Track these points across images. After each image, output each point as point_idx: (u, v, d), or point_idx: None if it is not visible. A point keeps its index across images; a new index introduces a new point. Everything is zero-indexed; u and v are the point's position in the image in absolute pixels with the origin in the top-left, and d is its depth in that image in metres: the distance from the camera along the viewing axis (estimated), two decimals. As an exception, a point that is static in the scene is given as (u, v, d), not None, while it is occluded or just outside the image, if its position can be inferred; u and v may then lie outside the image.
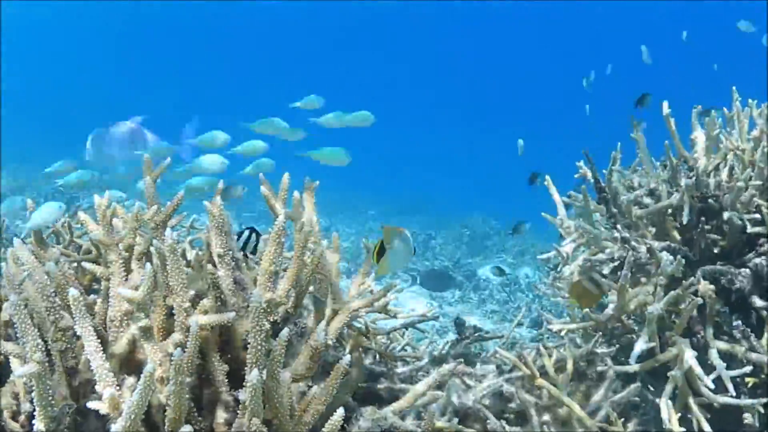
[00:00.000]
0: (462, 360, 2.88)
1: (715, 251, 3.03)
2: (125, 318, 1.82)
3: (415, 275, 8.28)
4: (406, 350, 3.33)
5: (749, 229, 2.85)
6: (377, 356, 2.86)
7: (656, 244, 2.99)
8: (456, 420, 2.55)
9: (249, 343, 1.63)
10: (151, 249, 1.88)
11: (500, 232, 11.46)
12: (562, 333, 3.01)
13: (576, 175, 3.39)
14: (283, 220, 1.91)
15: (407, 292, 8.03)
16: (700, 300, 2.65)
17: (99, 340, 1.62)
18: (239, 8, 37.29)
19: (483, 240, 11.26)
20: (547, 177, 3.36)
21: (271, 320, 1.87)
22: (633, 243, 2.97)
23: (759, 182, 2.90)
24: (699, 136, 3.19)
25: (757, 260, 2.89)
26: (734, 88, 3.35)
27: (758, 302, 2.85)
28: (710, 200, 2.98)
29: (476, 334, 3.17)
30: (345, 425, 2.18)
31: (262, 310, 1.59)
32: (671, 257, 2.83)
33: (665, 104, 3.19)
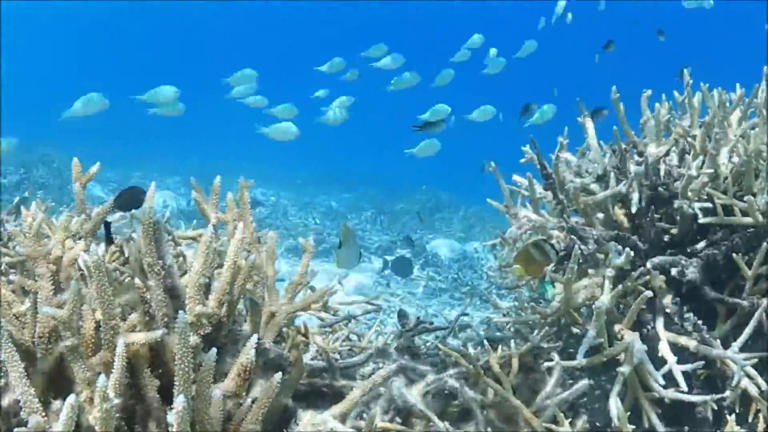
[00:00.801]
0: (402, 361, 2.92)
1: (666, 239, 3.11)
2: (53, 335, 1.85)
3: (387, 261, 8.27)
4: (351, 339, 3.38)
5: (701, 219, 2.92)
6: (319, 350, 2.89)
7: (605, 234, 3.05)
8: (399, 419, 2.60)
9: (176, 364, 1.66)
10: (79, 261, 1.91)
11: (449, 206, 11.45)
12: (508, 326, 3.08)
13: (522, 160, 3.44)
14: (212, 230, 1.94)
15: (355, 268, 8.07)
16: (649, 293, 2.69)
17: (23, 365, 1.65)
18: (237, 8, 37.04)
19: (433, 213, 11.29)
20: (492, 163, 3.40)
21: (202, 333, 1.91)
22: (580, 233, 3.03)
23: (710, 170, 2.97)
24: (649, 120, 3.26)
25: (709, 250, 2.97)
26: (686, 71, 3.42)
27: (710, 293, 2.92)
28: (660, 188, 3.05)
29: (420, 326, 3.21)
30: (284, 430, 2.23)
31: (187, 330, 1.63)
32: (620, 248, 2.89)
33: (613, 88, 3.25)
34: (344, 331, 3.37)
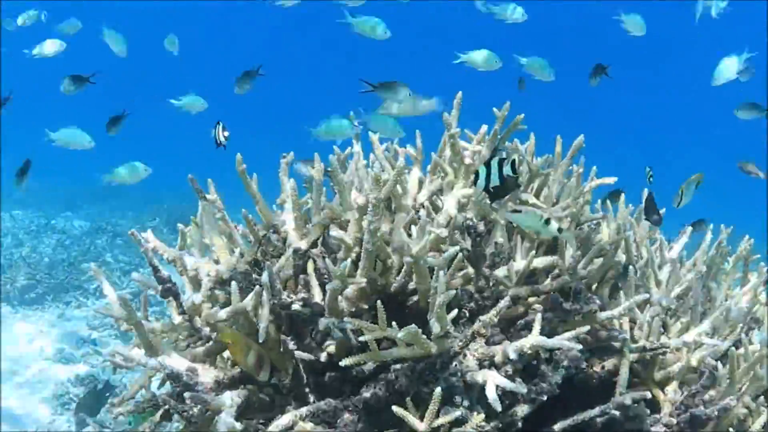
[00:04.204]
0: None
1: (324, 359, 2.20)
2: None
3: None
4: None
5: (343, 362, 2.02)
6: None
7: (225, 374, 2.13)
8: None
9: None
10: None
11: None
12: None
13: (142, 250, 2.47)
14: None
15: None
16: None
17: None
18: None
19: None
20: (93, 266, 2.42)
21: None
22: (185, 379, 2.08)
23: (362, 280, 2.08)
24: (286, 201, 2.33)
25: (374, 387, 2.09)
26: (352, 113, 2.51)
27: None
28: (296, 305, 2.13)
29: None
30: None
31: None
32: (239, 400, 1.98)
33: (239, 157, 2.30)
34: None
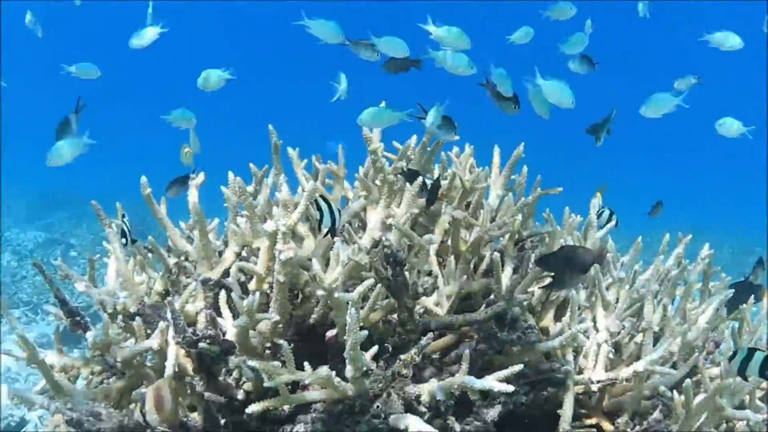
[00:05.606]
0: None
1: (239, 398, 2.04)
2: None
3: None
4: None
5: (249, 408, 1.84)
6: None
7: (127, 420, 1.96)
8: None
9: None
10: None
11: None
12: None
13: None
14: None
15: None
16: None
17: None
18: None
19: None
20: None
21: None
22: (86, 425, 1.93)
23: (275, 317, 1.92)
24: (197, 220, 2.16)
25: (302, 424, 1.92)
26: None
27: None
28: (204, 342, 1.96)
29: None
30: None
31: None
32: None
33: (143, 181, 2.12)
34: None
